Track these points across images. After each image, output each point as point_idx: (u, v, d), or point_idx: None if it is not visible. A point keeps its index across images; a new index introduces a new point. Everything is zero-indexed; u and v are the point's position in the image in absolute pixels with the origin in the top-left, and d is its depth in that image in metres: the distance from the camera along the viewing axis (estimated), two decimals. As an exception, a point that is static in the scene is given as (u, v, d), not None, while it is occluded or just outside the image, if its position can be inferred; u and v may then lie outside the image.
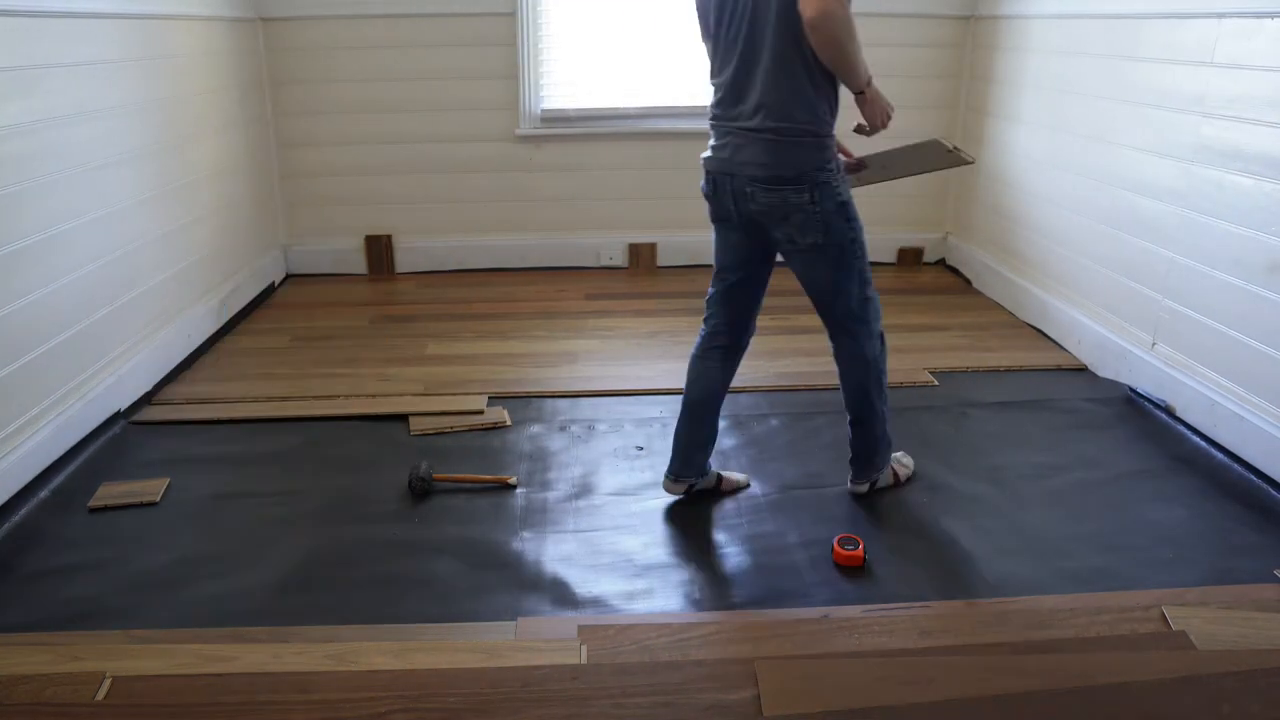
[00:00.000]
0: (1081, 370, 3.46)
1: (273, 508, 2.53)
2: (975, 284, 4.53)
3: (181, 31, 3.56)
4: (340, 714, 1.73)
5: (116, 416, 3.00)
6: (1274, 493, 2.57)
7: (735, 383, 3.32)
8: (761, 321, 4.05)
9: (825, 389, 3.23)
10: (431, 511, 2.51)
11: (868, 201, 4.79)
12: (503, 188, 4.66)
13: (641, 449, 2.87)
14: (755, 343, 3.80)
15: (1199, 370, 2.94)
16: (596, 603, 2.14)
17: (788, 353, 3.61)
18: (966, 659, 1.88)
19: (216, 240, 3.88)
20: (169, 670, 1.85)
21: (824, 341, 3.78)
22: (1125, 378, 3.27)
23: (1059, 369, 3.48)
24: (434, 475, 2.62)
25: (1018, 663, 1.87)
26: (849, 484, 2.59)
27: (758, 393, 3.24)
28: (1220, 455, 2.78)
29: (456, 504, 2.55)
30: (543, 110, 4.55)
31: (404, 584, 2.20)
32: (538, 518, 2.48)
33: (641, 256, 4.80)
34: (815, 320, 4.01)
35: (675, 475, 2.55)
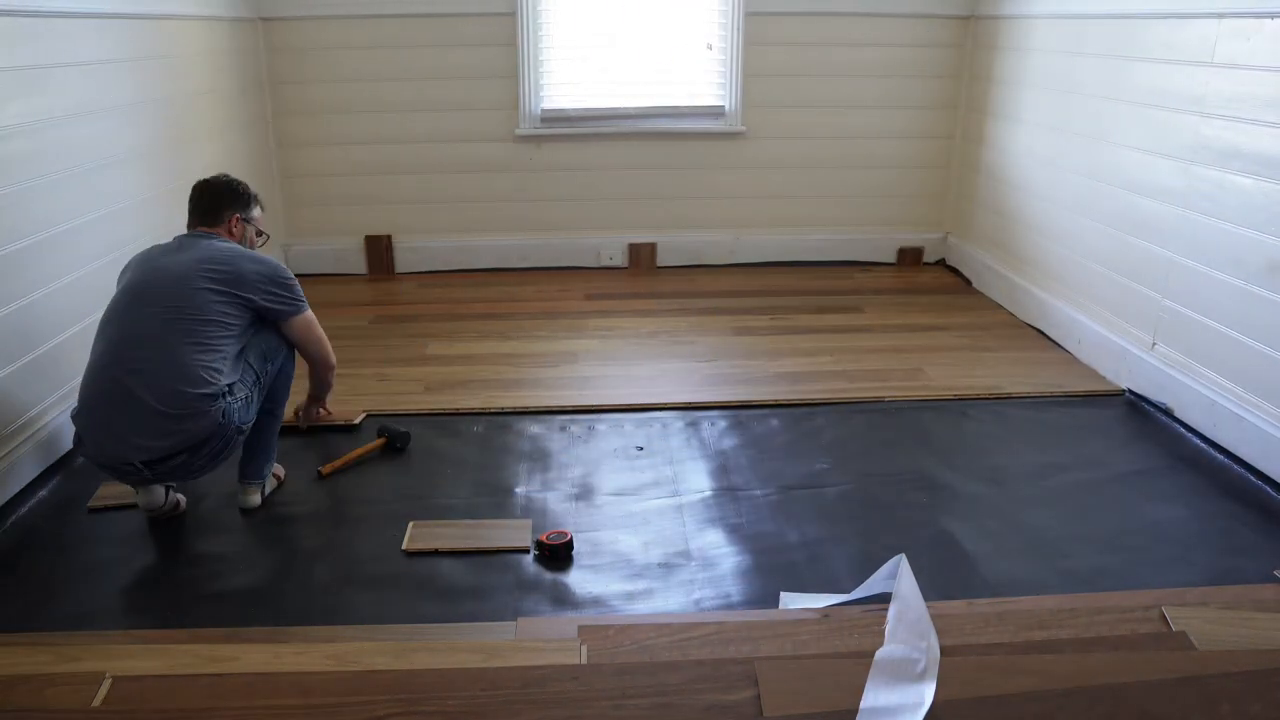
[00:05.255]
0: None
1: (272, 508, 2.53)
2: (975, 284, 4.53)
3: (181, 31, 3.56)
4: (339, 717, 1.73)
5: (116, 416, 2.99)
6: (1274, 493, 2.57)
7: (734, 383, 3.34)
8: (761, 321, 4.09)
9: (825, 389, 3.24)
10: (432, 511, 2.51)
11: (869, 202, 4.84)
12: (503, 188, 4.66)
13: (641, 449, 2.87)
14: (754, 342, 3.85)
15: (1199, 370, 2.94)
16: (596, 603, 2.14)
17: (787, 353, 3.61)
18: (966, 659, 1.87)
19: (216, 240, 3.87)
20: (168, 670, 1.84)
21: (823, 341, 3.82)
22: (1125, 378, 3.27)
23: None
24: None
25: (1017, 663, 1.87)
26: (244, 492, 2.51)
27: (757, 392, 3.24)
28: (1220, 455, 2.78)
29: (458, 504, 2.55)
30: (543, 110, 4.54)
31: (404, 584, 2.20)
32: (538, 518, 2.48)
33: (641, 256, 4.80)
34: (814, 320, 4.05)
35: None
